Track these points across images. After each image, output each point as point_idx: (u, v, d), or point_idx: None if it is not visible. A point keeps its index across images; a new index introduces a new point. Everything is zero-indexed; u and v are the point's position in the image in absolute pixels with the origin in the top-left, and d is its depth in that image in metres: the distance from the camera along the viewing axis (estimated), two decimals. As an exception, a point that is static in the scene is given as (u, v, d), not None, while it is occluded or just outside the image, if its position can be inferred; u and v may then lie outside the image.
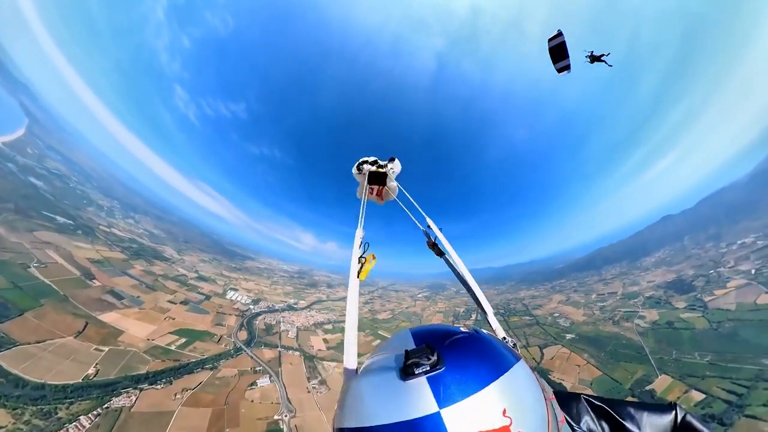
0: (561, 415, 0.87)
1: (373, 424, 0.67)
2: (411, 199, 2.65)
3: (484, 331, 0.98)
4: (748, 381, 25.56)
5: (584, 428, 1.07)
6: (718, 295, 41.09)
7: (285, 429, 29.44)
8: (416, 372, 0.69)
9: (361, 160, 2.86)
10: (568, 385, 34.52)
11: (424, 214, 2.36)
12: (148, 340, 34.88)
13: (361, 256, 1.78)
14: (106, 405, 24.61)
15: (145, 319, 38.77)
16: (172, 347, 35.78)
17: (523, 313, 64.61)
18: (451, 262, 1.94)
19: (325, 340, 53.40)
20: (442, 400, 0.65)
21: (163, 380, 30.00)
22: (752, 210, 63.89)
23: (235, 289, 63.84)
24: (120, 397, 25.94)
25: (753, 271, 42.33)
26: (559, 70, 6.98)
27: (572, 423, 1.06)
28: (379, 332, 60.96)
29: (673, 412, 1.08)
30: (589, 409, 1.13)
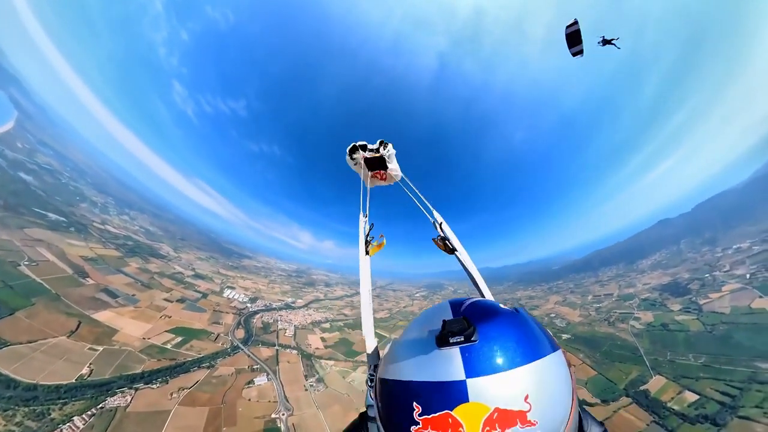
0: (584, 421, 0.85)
1: (406, 379, 0.78)
2: (417, 191, 2.57)
3: (526, 313, 0.95)
4: (741, 383, 25.90)
5: None
6: (712, 299, 41.58)
7: (282, 427, 29.47)
8: (450, 341, 0.75)
9: (350, 147, 2.71)
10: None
11: (431, 207, 2.27)
12: (143, 339, 34.53)
13: (368, 236, 1.89)
14: (100, 405, 24.35)
15: (141, 317, 38.35)
16: (168, 346, 35.49)
17: (520, 312, 66.10)
18: (461, 260, 1.86)
19: (323, 339, 53.48)
20: (470, 371, 0.70)
21: (159, 379, 29.76)
22: (749, 215, 64.65)
23: (233, 288, 63.49)
24: (115, 397, 25.68)
25: (748, 276, 42.85)
26: (574, 54, 8.02)
27: None
28: (377, 331, 60.79)
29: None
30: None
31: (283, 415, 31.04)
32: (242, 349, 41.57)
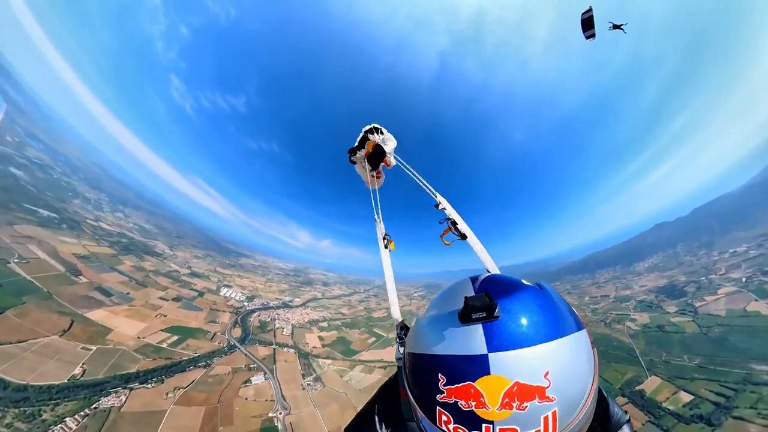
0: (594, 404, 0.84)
1: (432, 353, 0.82)
2: (417, 175, 2.53)
3: (551, 288, 0.95)
4: (735, 384, 26.20)
5: None
6: (708, 301, 42.03)
7: (279, 426, 29.38)
8: (473, 317, 0.77)
9: (349, 151, 2.73)
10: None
11: (434, 191, 2.26)
12: (138, 338, 34.07)
13: (385, 236, 2.11)
14: (94, 405, 23.95)
15: (136, 316, 37.83)
16: (164, 345, 35.09)
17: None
18: (471, 245, 1.86)
19: (321, 338, 53.39)
20: (492, 346, 0.73)
21: (155, 379, 29.41)
22: (745, 220, 65.50)
23: (229, 286, 63.00)
24: (109, 397, 25.29)
25: (744, 279, 43.32)
26: (587, 37, 9.16)
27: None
28: (374, 330, 61.25)
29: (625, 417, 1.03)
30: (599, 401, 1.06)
31: (281, 414, 30.95)
32: (239, 348, 41.31)
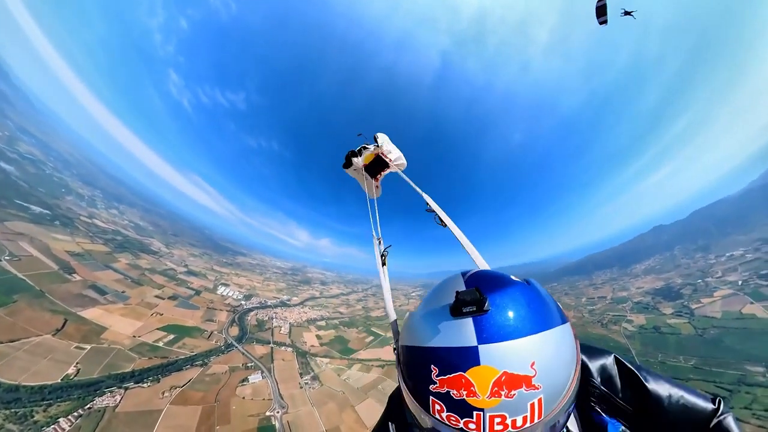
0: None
1: (424, 345, 0.86)
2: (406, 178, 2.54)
3: (538, 284, 0.99)
4: (731, 385, 26.71)
5: (604, 387, 1.06)
6: (704, 303, 42.55)
7: (277, 425, 29.31)
8: (464, 311, 0.81)
9: (346, 156, 2.68)
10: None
11: (420, 191, 2.31)
12: (133, 336, 33.68)
13: (383, 253, 2.09)
14: (88, 405, 23.61)
15: (131, 314, 37.38)
16: (160, 344, 34.76)
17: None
18: (452, 232, 1.91)
19: (318, 337, 53.35)
20: (482, 338, 0.77)
21: (150, 378, 29.12)
22: (743, 224, 66.21)
23: (227, 285, 62.56)
24: (103, 397, 24.96)
25: (740, 282, 43.81)
26: (600, 23, 10.00)
27: (594, 379, 1.07)
28: (372, 329, 61.35)
29: (713, 406, 0.97)
30: (617, 369, 1.10)
31: (278, 412, 30.88)
32: (236, 347, 41.10)
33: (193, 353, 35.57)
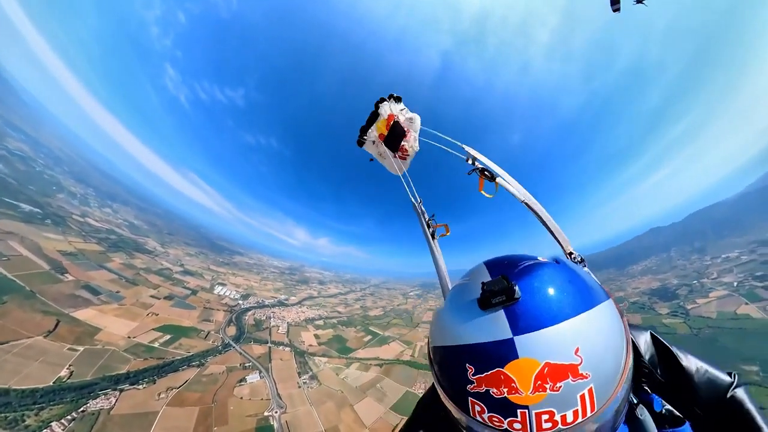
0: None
1: (456, 344, 0.79)
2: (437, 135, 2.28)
3: (569, 261, 0.92)
4: None
5: (646, 361, 1.08)
6: (700, 304, 42.98)
7: (275, 425, 29.24)
8: (493, 302, 0.74)
9: (360, 129, 2.40)
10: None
11: (458, 143, 2.08)
12: (128, 337, 33.22)
13: (429, 221, 1.90)
14: (81, 408, 23.22)
15: (126, 315, 36.86)
16: (156, 344, 34.35)
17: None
18: (507, 186, 1.67)
19: (316, 336, 53.28)
20: (516, 329, 0.69)
21: (146, 379, 28.77)
22: (739, 227, 67.24)
23: (224, 284, 62.06)
24: (98, 400, 24.58)
25: (735, 284, 44.31)
26: (614, 10, 10.20)
27: (643, 357, 1.08)
28: (370, 328, 61.48)
29: (730, 379, 1.05)
30: (653, 346, 1.13)
31: (276, 412, 30.79)
32: (233, 347, 40.85)
33: (190, 354, 35.25)
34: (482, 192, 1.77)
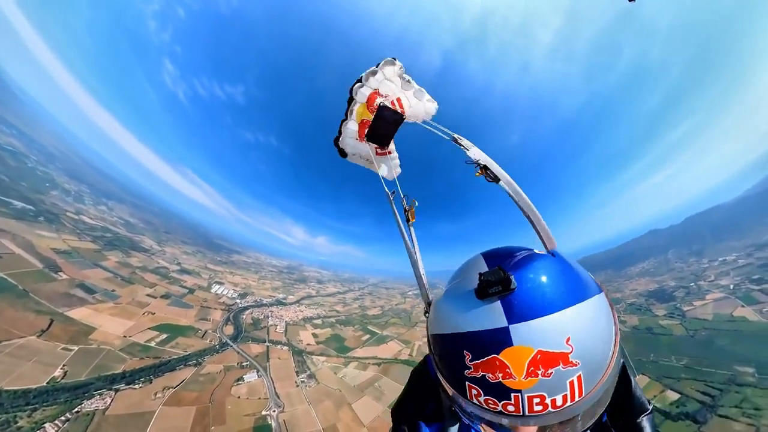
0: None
1: (455, 332, 0.85)
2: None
3: (565, 254, 0.96)
4: (721, 384, 27.35)
5: None
6: (696, 306, 43.52)
7: (273, 424, 29.15)
8: (490, 292, 0.79)
9: (335, 141, 2.06)
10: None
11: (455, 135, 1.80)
12: (124, 336, 32.87)
13: (406, 207, 1.82)
14: (76, 409, 22.93)
15: (121, 314, 36.45)
16: (152, 344, 34.04)
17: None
18: (506, 189, 1.52)
19: (315, 335, 53.20)
20: (511, 318, 0.75)
21: (142, 379, 28.51)
22: (737, 231, 67.56)
23: (221, 283, 61.68)
24: (93, 400, 24.30)
25: (731, 286, 44.73)
26: (630, 0, 10.36)
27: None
28: (368, 327, 61.52)
29: (648, 407, 1.14)
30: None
31: (274, 412, 30.70)
32: (231, 346, 40.63)
33: (187, 353, 34.99)
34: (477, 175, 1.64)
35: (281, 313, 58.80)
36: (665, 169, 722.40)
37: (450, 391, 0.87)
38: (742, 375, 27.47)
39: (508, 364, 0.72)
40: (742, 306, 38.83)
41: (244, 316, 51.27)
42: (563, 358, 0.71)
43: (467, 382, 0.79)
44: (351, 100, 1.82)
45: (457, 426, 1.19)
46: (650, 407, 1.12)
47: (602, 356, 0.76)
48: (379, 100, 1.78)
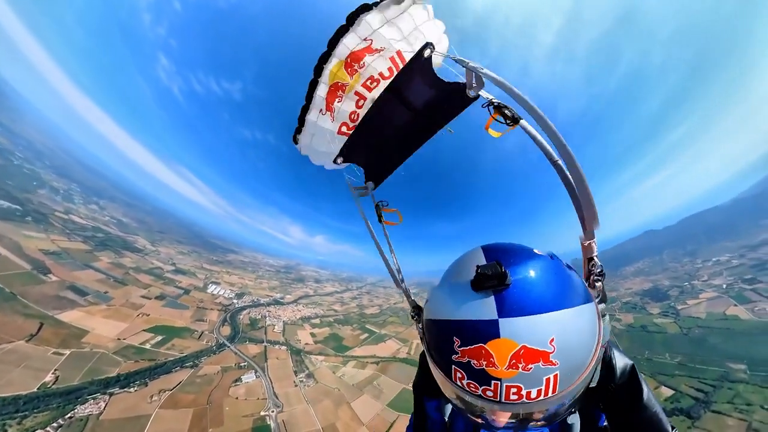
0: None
1: (448, 318, 0.91)
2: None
3: (563, 261, 1.00)
4: (714, 381, 28.05)
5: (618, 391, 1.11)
6: (690, 305, 44.39)
7: (272, 425, 29.08)
8: (485, 286, 0.84)
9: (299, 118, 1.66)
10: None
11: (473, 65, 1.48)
12: (118, 339, 32.29)
13: (378, 203, 1.78)
14: (68, 415, 22.45)
15: (115, 316, 35.76)
16: (147, 346, 33.53)
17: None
18: (530, 130, 1.25)
19: (313, 335, 53.12)
20: (503, 312, 0.81)
21: (137, 382, 28.08)
22: (730, 232, 68.97)
23: (217, 283, 60.98)
24: (86, 405, 23.83)
25: (724, 286, 45.72)
26: None
27: (616, 380, 1.10)
28: (367, 326, 61.63)
29: (670, 431, 1.10)
30: (629, 376, 1.13)
31: (273, 412, 30.60)
32: (228, 347, 40.31)
33: (183, 354, 34.58)
34: (488, 130, 1.34)
35: (279, 312, 58.49)
36: (662, 171, 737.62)
37: (437, 372, 0.93)
38: (734, 372, 28.21)
39: (492, 354, 0.78)
40: (735, 305, 39.70)
41: (242, 317, 50.88)
42: (544, 356, 0.76)
43: (453, 366, 0.85)
44: (323, 61, 1.22)
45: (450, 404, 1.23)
46: (632, 363, 1.08)
47: (580, 361, 0.81)
48: (368, 60, 1.23)
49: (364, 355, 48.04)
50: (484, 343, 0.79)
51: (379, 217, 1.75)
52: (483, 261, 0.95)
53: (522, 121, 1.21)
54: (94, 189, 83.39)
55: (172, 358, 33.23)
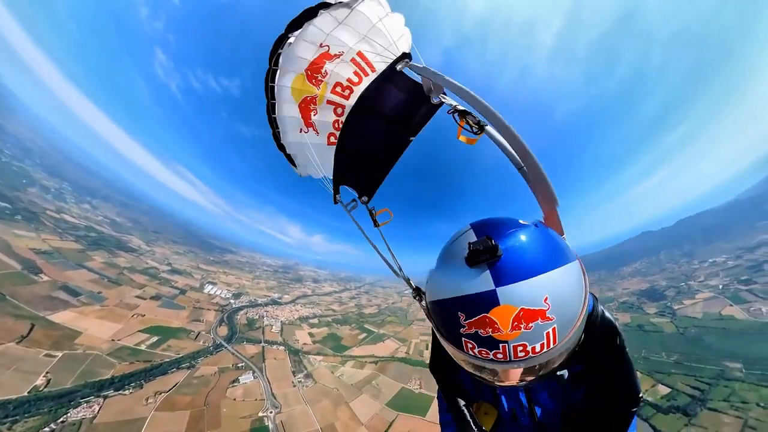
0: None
1: (450, 297, 0.99)
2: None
3: (546, 225, 1.11)
4: (710, 379, 28.50)
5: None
6: (686, 305, 45.15)
7: (270, 425, 28.87)
8: (478, 260, 0.92)
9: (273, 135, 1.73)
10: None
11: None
12: (112, 340, 31.71)
13: (371, 211, 1.90)
14: (61, 419, 21.94)
15: (109, 317, 35.12)
16: (142, 347, 33.00)
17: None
18: (495, 136, 1.43)
19: (311, 334, 52.90)
20: (498, 281, 0.89)
21: (132, 384, 27.61)
22: (727, 234, 69.89)
23: (214, 283, 60.34)
24: (79, 408, 23.32)
25: (720, 287, 46.64)
26: None
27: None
28: (365, 326, 61.58)
29: (638, 393, 1.19)
30: (606, 335, 1.24)
31: (271, 413, 30.39)
32: (226, 347, 39.91)
33: (179, 355, 34.14)
34: (460, 138, 1.45)
35: (277, 312, 58.10)
36: (660, 172, 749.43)
37: (449, 347, 1.02)
38: (730, 370, 28.75)
39: (496, 320, 0.87)
40: (731, 305, 40.41)
41: (239, 317, 50.42)
42: (541, 314, 0.86)
43: (463, 338, 0.95)
44: (273, 68, 1.17)
45: None
46: (640, 402, 1.15)
47: (573, 313, 0.91)
48: (330, 67, 1.18)
49: (363, 354, 47.99)
50: (487, 313, 0.88)
51: (375, 222, 1.85)
52: (473, 237, 1.02)
53: (487, 127, 1.27)
54: (87, 188, 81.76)
55: (168, 360, 32.78)
